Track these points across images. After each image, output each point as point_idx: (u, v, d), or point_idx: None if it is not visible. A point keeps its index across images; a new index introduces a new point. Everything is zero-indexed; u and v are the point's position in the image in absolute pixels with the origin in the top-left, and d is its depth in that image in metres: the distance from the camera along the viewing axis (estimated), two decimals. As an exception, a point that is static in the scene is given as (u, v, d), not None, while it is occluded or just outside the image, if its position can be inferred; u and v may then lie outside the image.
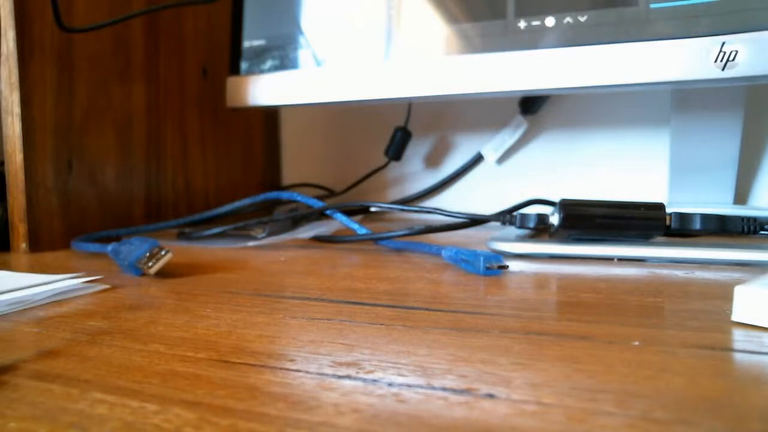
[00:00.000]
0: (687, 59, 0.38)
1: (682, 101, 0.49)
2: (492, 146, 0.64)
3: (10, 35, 0.42)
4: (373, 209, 0.61)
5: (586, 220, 0.36)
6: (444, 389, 0.16)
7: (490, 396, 0.15)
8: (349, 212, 0.54)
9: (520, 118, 0.62)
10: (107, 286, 0.30)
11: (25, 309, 0.26)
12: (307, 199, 0.46)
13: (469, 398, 0.15)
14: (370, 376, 0.17)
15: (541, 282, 0.30)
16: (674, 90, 0.49)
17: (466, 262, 0.32)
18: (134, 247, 0.33)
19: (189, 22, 0.58)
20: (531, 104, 0.61)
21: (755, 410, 0.14)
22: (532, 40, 0.42)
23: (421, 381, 0.16)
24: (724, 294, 0.26)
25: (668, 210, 0.35)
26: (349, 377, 0.17)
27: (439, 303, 0.26)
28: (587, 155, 0.61)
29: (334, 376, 0.17)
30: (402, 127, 0.65)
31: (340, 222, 0.44)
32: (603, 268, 0.33)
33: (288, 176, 0.76)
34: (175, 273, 0.34)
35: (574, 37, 0.41)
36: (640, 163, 0.59)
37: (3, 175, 0.45)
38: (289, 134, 0.76)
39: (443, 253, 0.35)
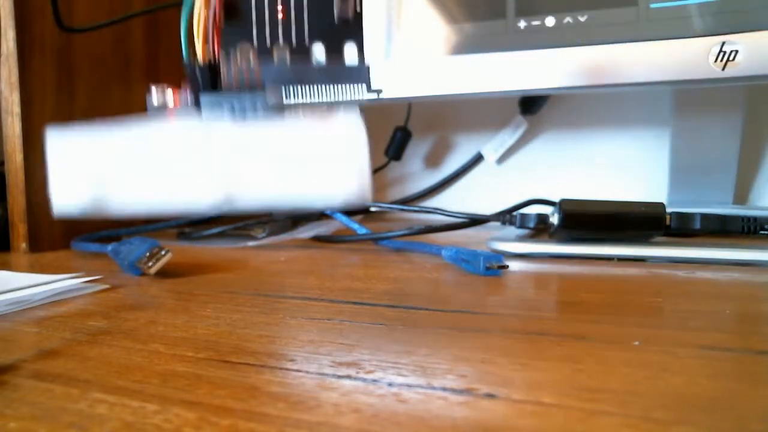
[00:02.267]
0: (687, 59, 0.38)
1: (682, 101, 0.49)
2: (492, 146, 0.64)
3: (10, 35, 0.42)
4: (373, 209, 0.61)
5: (586, 220, 0.36)
6: (444, 389, 0.16)
7: (490, 396, 0.15)
8: (349, 212, 0.54)
9: (520, 118, 0.62)
10: (107, 286, 0.30)
11: (25, 309, 0.26)
12: (307, 199, 0.46)
13: (469, 398, 0.15)
14: (370, 376, 0.17)
15: (541, 282, 0.30)
16: (674, 90, 0.49)
17: (466, 262, 0.32)
18: (134, 247, 0.33)
19: (189, 22, 0.58)
20: (531, 104, 0.61)
21: (755, 410, 0.14)
22: (532, 40, 0.42)
23: (421, 381, 0.16)
24: (724, 294, 0.26)
25: (668, 210, 0.35)
26: (349, 377, 0.17)
27: (439, 303, 0.26)
28: (587, 155, 0.61)
29: (334, 376, 0.17)
30: (402, 127, 0.65)
31: (340, 222, 0.44)
32: (603, 268, 0.33)
33: (288, 176, 0.76)
34: (175, 273, 0.34)
35: (574, 37, 0.41)
36: (640, 163, 0.59)
37: (3, 175, 0.45)
38: (289, 134, 0.75)
39: (443, 253, 0.35)
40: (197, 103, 0.19)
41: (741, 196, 0.55)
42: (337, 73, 0.23)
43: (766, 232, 0.35)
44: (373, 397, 0.16)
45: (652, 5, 0.39)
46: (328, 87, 0.22)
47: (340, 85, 0.22)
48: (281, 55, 0.23)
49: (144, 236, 0.41)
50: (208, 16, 0.19)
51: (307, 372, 0.17)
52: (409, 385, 0.16)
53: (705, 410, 0.14)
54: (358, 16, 0.23)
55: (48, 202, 0.45)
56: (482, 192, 0.65)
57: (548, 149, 0.63)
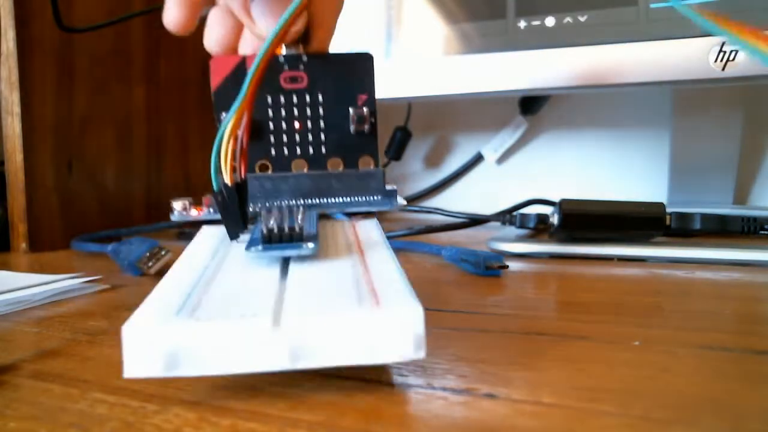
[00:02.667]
0: (687, 59, 0.38)
1: (682, 101, 0.49)
2: (492, 146, 0.64)
3: (10, 35, 0.42)
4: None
5: (586, 220, 0.36)
6: (444, 389, 0.16)
7: (490, 396, 0.15)
8: (350, 213, 0.54)
9: (520, 118, 0.62)
10: (107, 286, 0.30)
11: (25, 309, 0.26)
12: (307, 199, 0.46)
13: (468, 398, 0.15)
14: (371, 376, 0.17)
15: (541, 282, 0.30)
16: (674, 90, 0.49)
17: (466, 262, 0.32)
18: (134, 247, 0.33)
19: (189, 22, 0.58)
20: (531, 104, 0.61)
21: (755, 410, 0.14)
22: (532, 40, 0.42)
23: (421, 381, 0.16)
24: (724, 294, 0.26)
25: (668, 210, 0.35)
26: (349, 377, 0.17)
27: (439, 303, 0.26)
28: (587, 155, 0.61)
29: (334, 376, 0.17)
30: (402, 127, 0.65)
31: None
32: (603, 268, 0.33)
33: (288, 176, 0.76)
34: (175, 273, 0.34)
35: (574, 37, 0.41)
36: (640, 163, 0.59)
37: (3, 175, 0.45)
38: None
39: (443, 253, 0.35)
40: (232, 235, 0.21)
41: (741, 196, 0.55)
42: (352, 182, 0.24)
43: (766, 232, 0.35)
44: (374, 397, 0.16)
45: (652, 5, 0.39)
46: (344, 196, 0.24)
47: (356, 195, 0.24)
48: (299, 167, 0.24)
49: (144, 236, 0.41)
50: (237, 140, 0.20)
51: (307, 372, 0.17)
52: (409, 385, 0.16)
53: (705, 410, 0.14)
54: (373, 128, 0.24)
55: (47, 202, 0.45)
56: (482, 192, 0.65)
57: (548, 149, 0.63)
